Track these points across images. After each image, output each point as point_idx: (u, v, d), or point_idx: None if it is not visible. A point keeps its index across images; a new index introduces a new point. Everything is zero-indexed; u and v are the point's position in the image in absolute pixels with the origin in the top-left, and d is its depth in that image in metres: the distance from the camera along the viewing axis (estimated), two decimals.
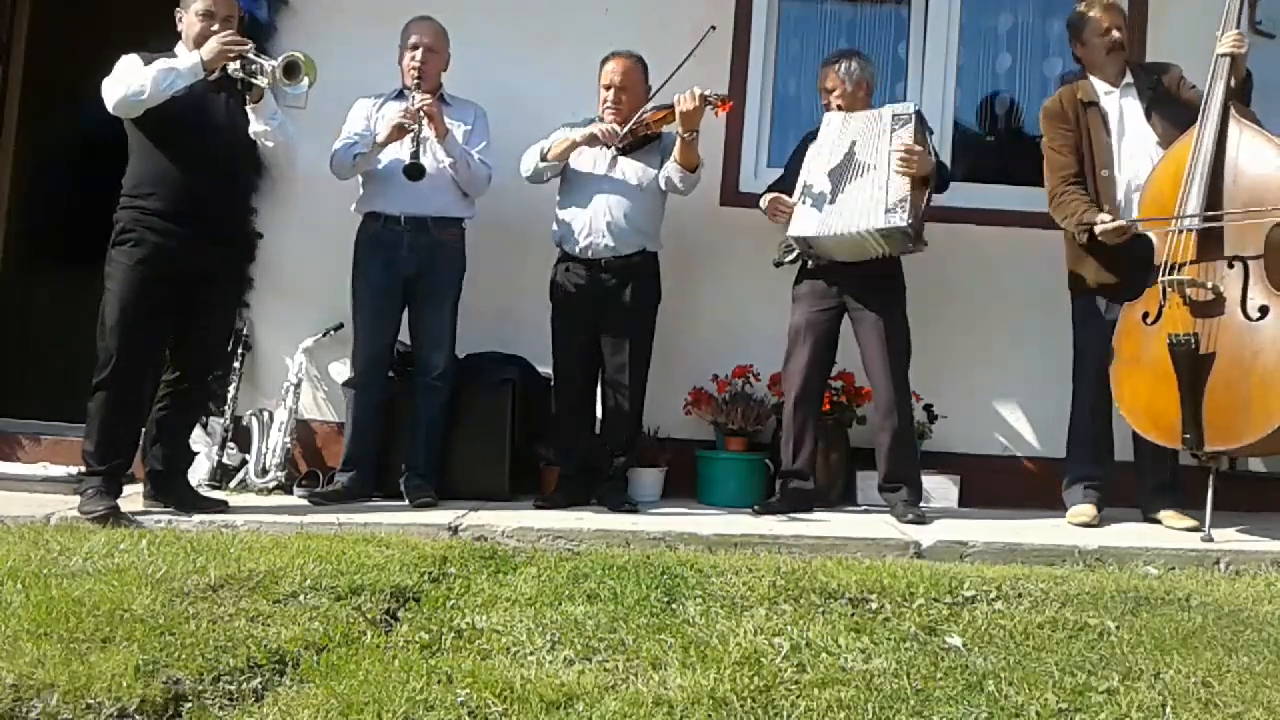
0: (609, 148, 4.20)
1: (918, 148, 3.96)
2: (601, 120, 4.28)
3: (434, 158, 4.16)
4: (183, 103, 3.66)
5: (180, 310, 3.78)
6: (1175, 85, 4.07)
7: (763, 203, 4.27)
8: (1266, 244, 3.58)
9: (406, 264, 4.21)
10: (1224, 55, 3.74)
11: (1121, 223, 3.84)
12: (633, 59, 4.29)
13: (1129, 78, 4.10)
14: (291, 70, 3.67)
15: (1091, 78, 4.12)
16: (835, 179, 4.07)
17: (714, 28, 4.24)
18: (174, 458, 3.91)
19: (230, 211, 3.93)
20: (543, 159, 4.26)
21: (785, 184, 4.29)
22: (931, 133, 4.24)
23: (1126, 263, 3.91)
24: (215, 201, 3.78)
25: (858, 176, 4.04)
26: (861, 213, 3.98)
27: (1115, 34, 4.06)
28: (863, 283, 4.12)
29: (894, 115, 4.05)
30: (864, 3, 5.05)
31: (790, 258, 4.23)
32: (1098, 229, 3.87)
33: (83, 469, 3.77)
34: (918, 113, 4.07)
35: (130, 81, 3.61)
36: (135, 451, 3.81)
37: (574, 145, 4.23)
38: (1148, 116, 4.03)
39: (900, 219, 3.91)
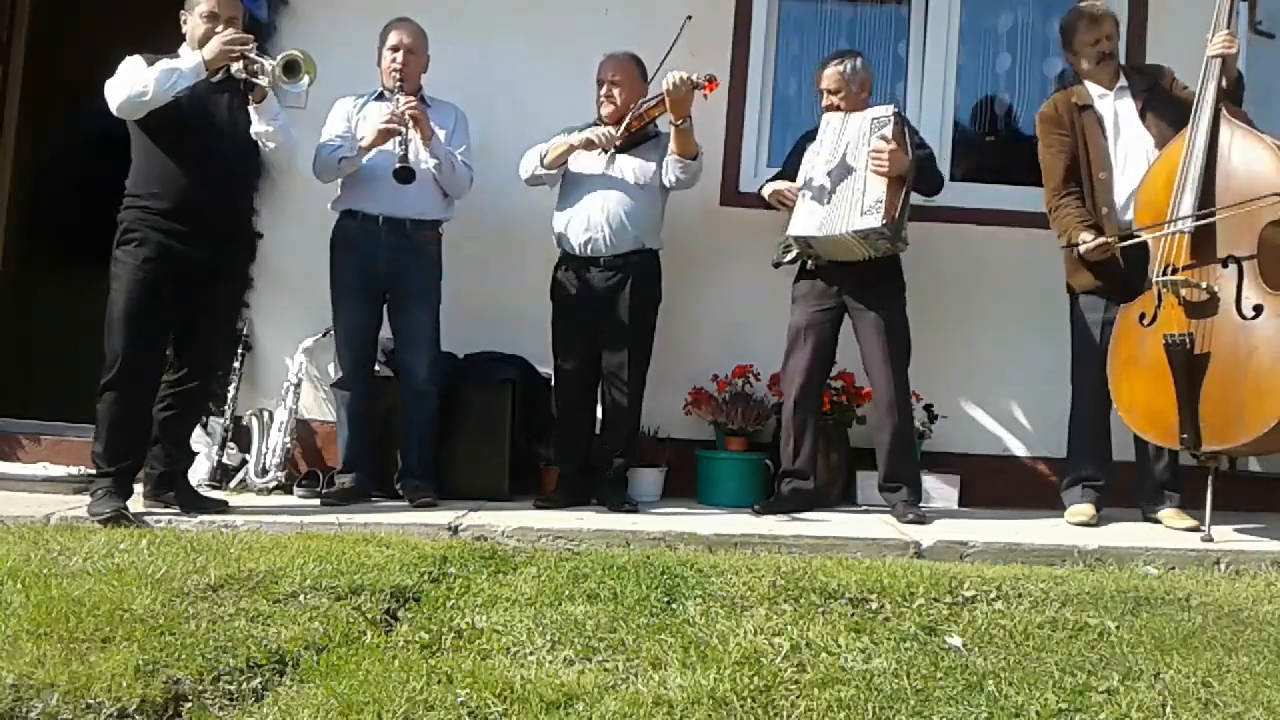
0: (605, 152, 4.20)
1: (891, 145, 3.96)
2: (601, 120, 4.30)
3: (417, 159, 4.13)
4: (185, 103, 3.67)
5: (184, 309, 3.78)
6: (1168, 86, 4.09)
7: (765, 191, 4.27)
8: (1260, 243, 3.58)
9: (382, 264, 4.18)
10: (1214, 57, 3.74)
11: (1101, 241, 3.88)
12: (628, 57, 4.30)
13: (1123, 80, 4.12)
14: (291, 69, 3.67)
15: (1086, 82, 4.14)
16: (833, 180, 4.08)
17: (689, 17, 4.21)
18: (175, 458, 3.90)
19: (233, 210, 3.93)
20: (541, 164, 4.26)
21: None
22: (916, 133, 4.23)
23: (1120, 270, 3.93)
24: (218, 201, 3.78)
25: (845, 179, 4.05)
26: (844, 215, 4.00)
27: (1103, 44, 4.07)
28: (862, 282, 4.12)
29: (874, 119, 4.06)
30: (864, 2, 5.05)
31: (789, 257, 4.23)
32: (1081, 249, 3.92)
33: (92, 470, 3.76)
34: (896, 114, 4.06)
35: (133, 83, 3.61)
36: (145, 451, 3.81)
37: (570, 149, 4.23)
38: (1143, 118, 4.04)
39: (875, 220, 3.93)
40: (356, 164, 4.18)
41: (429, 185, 4.22)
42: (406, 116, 4.05)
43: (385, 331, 4.34)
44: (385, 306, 4.26)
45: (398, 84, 4.17)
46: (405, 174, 3.98)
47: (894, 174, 3.96)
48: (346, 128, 4.25)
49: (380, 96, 4.29)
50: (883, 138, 3.97)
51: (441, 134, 4.24)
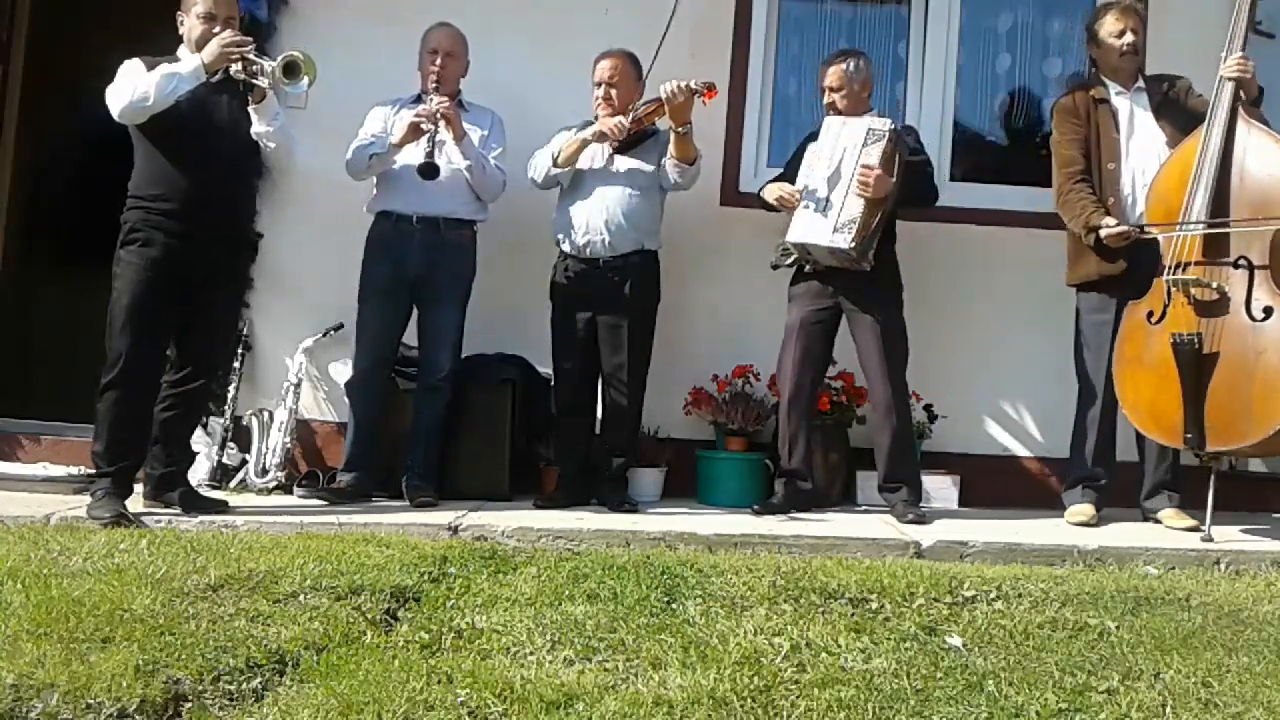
0: (617, 142, 4.17)
1: (875, 170, 3.94)
2: (596, 119, 4.29)
3: (449, 159, 4.17)
4: (186, 105, 3.68)
5: (185, 310, 3.79)
6: (1184, 94, 4.12)
7: (768, 194, 4.26)
8: (1272, 246, 3.58)
9: (416, 264, 4.22)
10: (1229, 79, 3.74)
11: (1126, 228, 3.86)
12: (624, 56, 4.29)
13: (1140, 83, 4.14)
14: (291, 70, 3.68)
15: (1105, 80, 4.15)
16: (829, 186, 4.07)
17: (677, 2, 4.17)
18: (175, 458, 3.90)
19: (235, 212, 3.94)
20: (554, 164, 4.25)
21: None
22: (913, 136, 4.22)
23: (1127, 257, 3.93)
24: (220, 202, 3.79)
25: (836, 186, 4.04)
26: (825, 227, 4.01)
27: (1131, 38, 4.08)
28: (859, 283, 4.11)
29: (869, 130, 4.03)
30: (864, 2, 5.05)
31: (788, 261, 4.23)
32: (1103, 233, 3.89)
33: (92, 470, 3.75)
34: (893, 130, 4.02)
35: (134, 89, 3.62)
36: (145, 451, 3.80)
37: (584, 144, 4.22)
38: (1156, 117, 4.07)
39: (843, 240, 3.94)
40: (387, 161, 4.22)
41: (460, 185, 4.24)
42: (438, 115, 4.07)
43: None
44: (414, 305, 4.28)
45: (434, 87, 4.20)
46: (429, 169, 4.02)
47: (874, 198, 3.96)
48: (382, 128, 4.28)
49: (417, 100, 4.32)
50: (867, 165, 3.94)
51: (476, 136, 4.27)
